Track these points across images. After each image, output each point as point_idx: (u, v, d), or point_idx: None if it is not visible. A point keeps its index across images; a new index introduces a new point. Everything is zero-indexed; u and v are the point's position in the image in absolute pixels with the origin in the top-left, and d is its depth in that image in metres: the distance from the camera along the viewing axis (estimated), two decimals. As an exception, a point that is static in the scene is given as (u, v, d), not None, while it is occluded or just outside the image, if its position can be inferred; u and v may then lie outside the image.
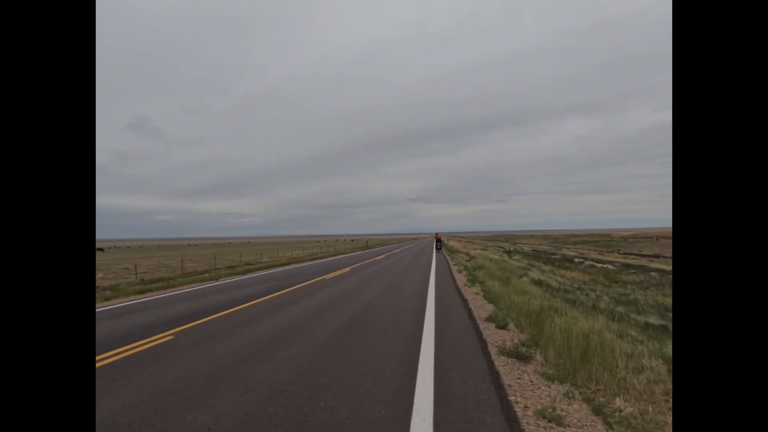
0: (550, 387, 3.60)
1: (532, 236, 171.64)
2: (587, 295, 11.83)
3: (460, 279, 12.56)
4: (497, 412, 3.06)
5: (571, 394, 3.42)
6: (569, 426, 2.88)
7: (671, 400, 3.16)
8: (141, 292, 11.14)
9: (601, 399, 3.34)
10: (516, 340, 5.05)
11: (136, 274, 18.86)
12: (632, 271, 22.95)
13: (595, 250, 53.64)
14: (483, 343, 4.96)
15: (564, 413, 3.06)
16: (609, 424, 2.90)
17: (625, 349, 4.72)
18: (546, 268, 23.25)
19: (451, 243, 55.21)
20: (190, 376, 3.86)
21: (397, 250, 36.20)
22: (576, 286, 14.21)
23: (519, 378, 3.80)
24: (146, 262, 30.80)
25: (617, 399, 3.27)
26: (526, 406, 3.19)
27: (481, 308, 7.48)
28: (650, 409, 3.07)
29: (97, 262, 27.09)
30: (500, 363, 4.22)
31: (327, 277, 13.77)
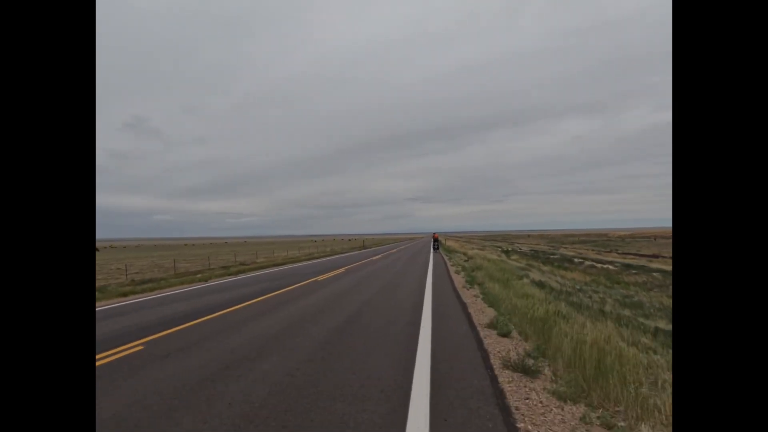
0: (563, 409, 3.14)
1: (529, 236, 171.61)
2: (590, 297, 11.39)
3: (458, 280, 12.06)
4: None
5: (588, 419, 2.96)
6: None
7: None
8: (125, 294, 10.63)
9: (622, 423, 2.89)
10: (521, 351, 4.58)
11: (126, 274, 18.32)
12: (633, 271, 22.56)
13: (593, 250, 53.33)
14: (484, 354, 4.49)
15: (583, 445, 2.60)
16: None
17: (641, 359, 4.28)
18: (545, 268, 22.84)
19: (449, 243, 54.73)
20: (149, 396, 3.37)
21: (394, 250, 35.67)
22: (578, 287, 13.77)
23: (527, 398, 3.33)
24: (140, 263, 30.28)
25: (642, 426, 2.81)
26: (537, 436, 2.72)
27: (481, 313, 6.99)
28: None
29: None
30: (504, 378, 3.75)
31: (320, 278, 13.28)
